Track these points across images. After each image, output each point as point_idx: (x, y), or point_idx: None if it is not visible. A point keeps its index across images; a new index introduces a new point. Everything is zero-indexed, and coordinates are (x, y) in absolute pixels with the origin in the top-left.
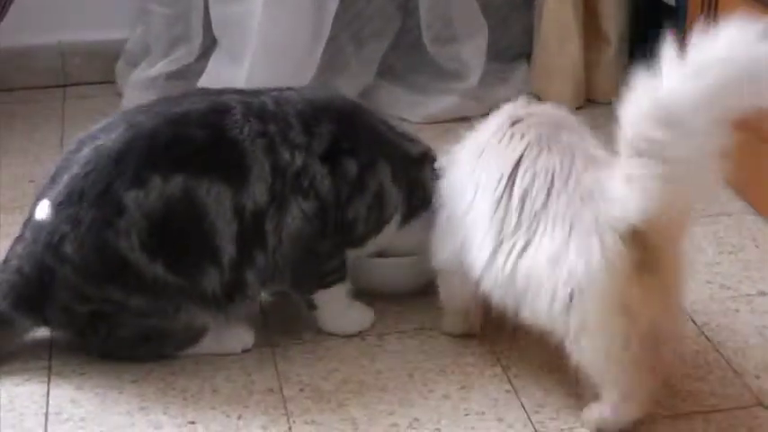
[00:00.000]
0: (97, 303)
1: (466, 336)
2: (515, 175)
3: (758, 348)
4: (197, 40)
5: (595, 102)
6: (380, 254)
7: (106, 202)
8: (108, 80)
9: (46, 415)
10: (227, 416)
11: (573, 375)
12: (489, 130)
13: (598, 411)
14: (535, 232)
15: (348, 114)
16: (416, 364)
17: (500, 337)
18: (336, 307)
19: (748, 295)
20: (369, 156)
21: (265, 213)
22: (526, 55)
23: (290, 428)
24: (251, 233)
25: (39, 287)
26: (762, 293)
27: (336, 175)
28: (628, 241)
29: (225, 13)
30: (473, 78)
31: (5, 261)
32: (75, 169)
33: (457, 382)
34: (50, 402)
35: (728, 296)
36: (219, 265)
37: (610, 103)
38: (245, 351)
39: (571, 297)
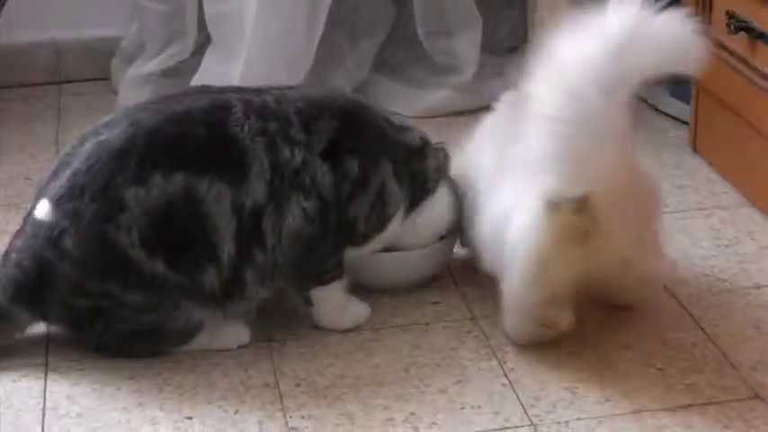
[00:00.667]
0: (96, 298)
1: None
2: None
3: (754, 341)
4: (191, 37)
5: None
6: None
7: (107, 198)
8: (103, 77)
9: (43, 411)
10: (224, 411)
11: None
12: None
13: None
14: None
15: (349, 112)
16: (412, 359)
17: (496, 331)
18: (333, 303)
19: (744, 288)
20: (370, 153)
21: (264, 211)
22: (521, 48)
23: (286, 423)
24: (250, 231)
25: (38, 281)
26: (758, 286)
27: (337, 174)
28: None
29: (219, 10)
30: (468, 72)
31: (5, 255)
32: (77, 164)
33: (453, 376)
34: (47, 398)
35: (725, 289)
36: (219, 263)
37: None
38: (241, 347)
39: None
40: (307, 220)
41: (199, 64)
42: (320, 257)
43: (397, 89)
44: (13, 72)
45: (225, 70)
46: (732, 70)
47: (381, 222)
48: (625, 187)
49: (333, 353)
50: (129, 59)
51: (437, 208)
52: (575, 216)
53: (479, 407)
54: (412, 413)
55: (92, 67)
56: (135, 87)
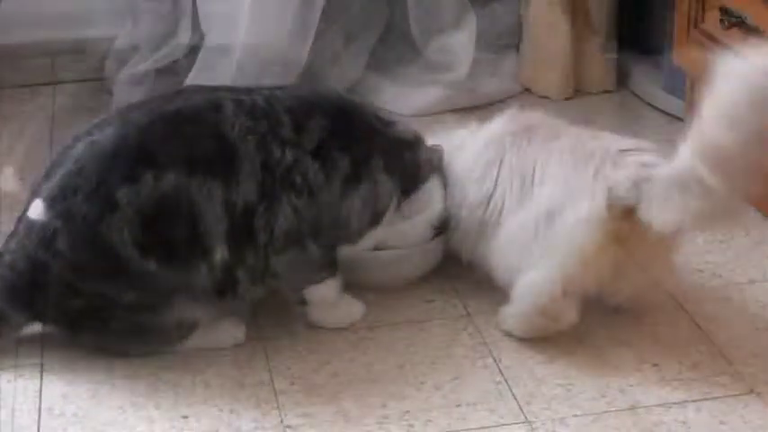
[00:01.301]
0: (89, 298)
1: (458, 325)
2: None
3: (749, 336)
4: (185, 37)
5: (584, 92)
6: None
7: (99, 198)
8: (97, 78)
9: (39, 411)
10: (220, 410)
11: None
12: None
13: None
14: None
15: (339, 109)
16: (407, 357)
17: (491, 328)
18: (327, 301)
19: (739, 284)
20: (362, 151)
21: (255, 210)
22: (515, 46)
23: (281, 421)
24: (241, 230)
25: (31, 282)
26: (752, 282)
27: (329, 171)
28: (614, 212)
29: (213, 9)
30: (462, 70)
31: None
32: (69, 165)
33: (448, 373)
34: (43, 398)
35: (720, 285)
36: (210, 262)
37: (598, 94)
38: (236, 345)
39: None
40: (299, 219)
41: (192, 64)
42: (313, 256)
43: (391, 88)
44: (6, 73)
45: (219, 69)
46: None
47: (375, 218)
48: None
49: (328, 351)
50: (123, 60)
51: (429, 199)
52: (623, 220)
53: (475, 404)
54: (407, 411)
55: (86, 67)
56: (129, 87)
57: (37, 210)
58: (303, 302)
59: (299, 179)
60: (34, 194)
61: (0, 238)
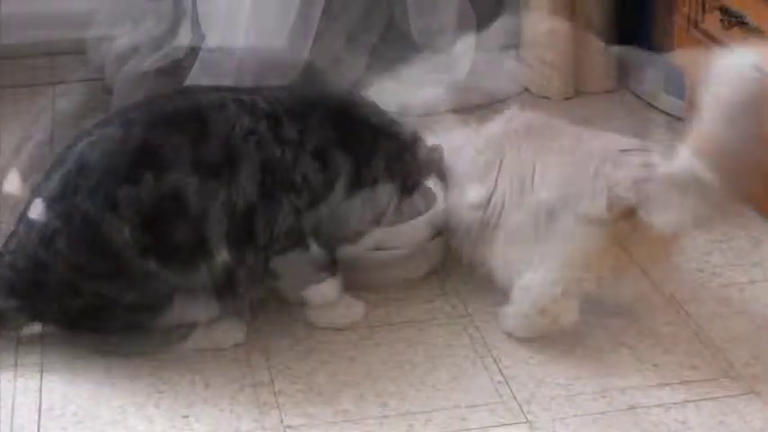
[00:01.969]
0: (89, 298)
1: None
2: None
3: (750, 337)
4: (185, 37)
5: (584, 92)
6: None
7: (99, 198)
8: (97, 77)
9: (39, 410)
10: (220, 410)
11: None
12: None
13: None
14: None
15: (340, 109)
16: (407, 357)
17: (490, 328)
18: (327, 302)
19: (739, 283)
20: (362, 151)
21: (255, 210)
22: (514, 46)
23: (281, 421)
24: (241, 230)
25: (31, 282)
26: (752, 282)
27: (329, 172)
28: (614, 212)
29: (213, 9)
30: (462, 70)
31: None
32: (69, 165)
33: (448, 373)
34: (43, 398)
35: (719, 284)
36: (211, 262)
37: (598, 94)
38: (236, 345)
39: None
40: (299, 219)
41: (193, 64)
42: (313, 256)
43: (391, 87)
44: (6, 73)
45: (219, 69)
46: None
47: (375, 218)
48: None
49: (328, 351)
50: (124, 59)
51: (428, 199)
52: (623, 221)
53: (475, 404)
54: (407, 411)
55: (86, 67)
56: (129, 87)
57: (37, 209)
58: (303, 302)
59: (299, 179)
60: (34, 194)
61: (1, 239)
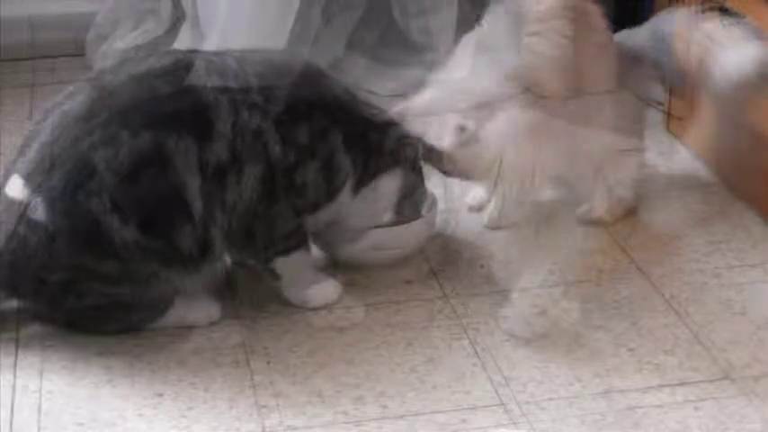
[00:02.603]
0: (68, 271)
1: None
2: None
3: (726, 322)
4: (166, 14)
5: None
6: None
7: (76, 166)
8: (78, 53)
9: (13, 387)
10: (195, 388)
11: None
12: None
13: None
14: None
15: (307, 79)
16: (383, 338)
17: (467, 310)
18: (301, 279)
19: (717, 268)
20: (322, 121)
21: (226, 171)
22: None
23: (256, 401)
24: (212, 189)
25: (11, 258)
26: (730, 267)
27: (287, 139)
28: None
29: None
30: (442, 51)
31: None
32: (43, 137)
33: (424, 355)
34: (18, 375)
35: (696, 269)
36: (191, 220)
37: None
38: (211, 324)
39: None
40: (256, 184)
41: (173, 40)
42: (273, 223)
43: (371, 67)
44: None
45: (199, 47)
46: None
47: (330, 191)
48: None
49: (304, 331)
50: (104, 35)
51: (388, 187)
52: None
53: (450, 386)
54: (382, 392)
55: (66, 43)
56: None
57: (14, 186)
58: (275, 277)
59: (260, 145)
60: (10, 171)
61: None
